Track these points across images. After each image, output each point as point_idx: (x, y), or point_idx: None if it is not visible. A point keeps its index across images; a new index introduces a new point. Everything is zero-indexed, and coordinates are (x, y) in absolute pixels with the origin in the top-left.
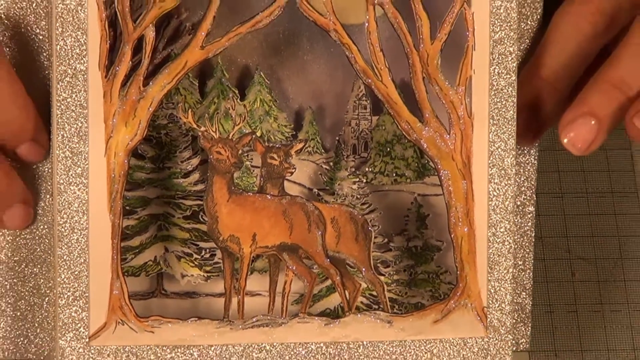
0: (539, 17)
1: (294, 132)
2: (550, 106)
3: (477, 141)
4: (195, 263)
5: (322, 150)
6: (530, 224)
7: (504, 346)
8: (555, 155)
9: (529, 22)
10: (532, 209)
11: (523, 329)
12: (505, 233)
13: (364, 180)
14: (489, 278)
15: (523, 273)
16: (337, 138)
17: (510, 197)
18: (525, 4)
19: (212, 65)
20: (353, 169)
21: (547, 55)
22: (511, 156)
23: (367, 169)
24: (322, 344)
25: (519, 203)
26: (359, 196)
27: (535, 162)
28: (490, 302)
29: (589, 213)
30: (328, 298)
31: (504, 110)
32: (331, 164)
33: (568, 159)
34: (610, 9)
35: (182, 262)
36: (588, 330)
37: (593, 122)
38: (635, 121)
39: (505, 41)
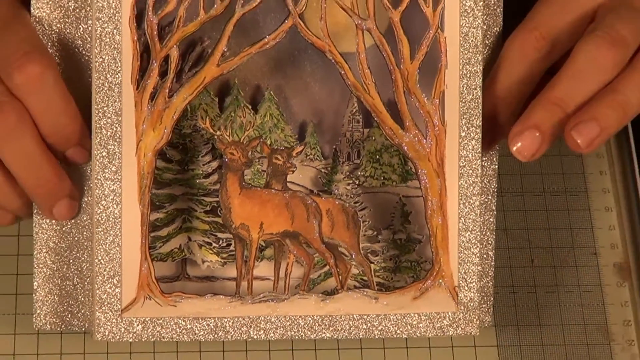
0: (499, 42)
1: (298, 142)
2: (503, 119)
3: (449, 145)
4: (214, 250)
5: (322, 157)
6: (492, 219)
7: (471, 319)
8: (517, 159)
9: (491, 48)
10: (493, 207)
11: (486, 309)
12: (473, 224)
13: (357, 183)
14: (460, 262)
15: (486, 261)
16: (334, 147)
17: (477, 193)
18: (487, 34)
19: (229, 85)
20: (347, 173)
21: (500, 75)
22: (477, 158)
23: (359, 173)
24: (318, 317)
25: (482, 202)
26: (352, 196)
27: (496, 166)
28: (460, 282)
29: (546, 209)
30: (325, 282)
31: (471, 119)
32: (329, 168)
33: (528, 163)
34: (552, 37)
35: (202, 250)
36: (545, 308)
37: (537, 135)
38: (572, 134)
39: (472, 61)
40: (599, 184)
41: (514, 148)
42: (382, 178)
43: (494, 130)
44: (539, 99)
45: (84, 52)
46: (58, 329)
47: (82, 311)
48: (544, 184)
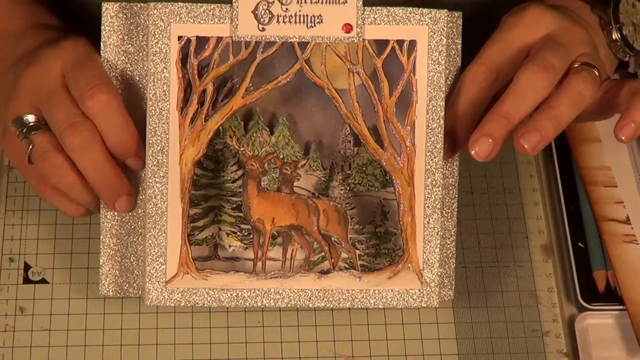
0: (455, 80)
1: (303, 156)
2: (461, 133)
3: (417, 162)
4: (238, 238)
5: (322, 169)
6: (454, 218)
7: (432, 295)
8: (468, 166)
9: (451, 86)
10: (455, 208)
11: (449, 286)
12: (435, 221)
13: (348, 189)
14: (424, 251)
15: (449, 250)
16: (331, 161)
17: (438, 198)
18: (449, 76)
19: (252, 113)
20: (341, 181)
21: (458, 100)
22: (439, 172)
23: (350, 181)
24: (315, 290)
25: (445, 201)
26: (344, 198)
27: (457, 177)
28: (424, 266)
29: (489, 204)
30: (321, 264)
31: (435, 142)
32: (327, 177)
33: (477, 169)
34: (497, 69)
35: (230, 237)
36: (489, 278)
37: (490, 141)
38: (521, 141)
39: (436, 98)
40: (529, 185)
41: (472, 152)
42: (367, 185)
43: (454, 142)
44: (491, 113)
45: (140, 86)
46: (118, 295)
47: (137, 282)
48: (488, 184)
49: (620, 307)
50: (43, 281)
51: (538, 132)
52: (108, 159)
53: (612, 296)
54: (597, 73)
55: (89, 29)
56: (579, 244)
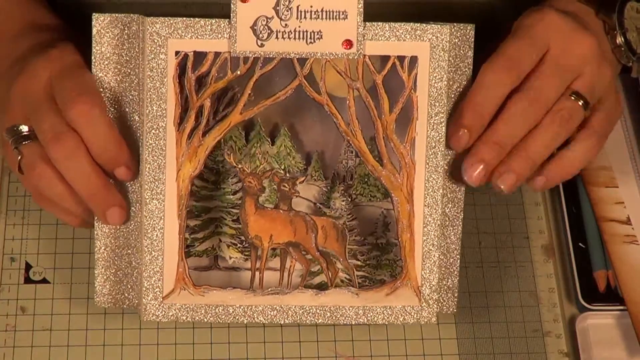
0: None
1: (305, 167)
2: (477, 128)
3: (417, 179)
4: (238, 249)
5: (323, 179)
6: (459, 234)
7: (431, 312)
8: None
9: (457, 96)
10: (459, 226)
11: (452, 300)
12: (433, 239)
13: (349, 199)
14: (422, 268)
15: (453, 266)
16: (333, 171)
17: (437, 217)
18: (458, 89)
19: (254, 123)
20: (342, 192)
21: (478, 97)
22: (439, 189)
23: (351, 192)
24: (313, 307)
25: (450, 214)
26: (345, 209)
27: (463, 194)
28: (422, 283)
29: (490, 204)
30: (320, 280)
31: (435, 159)
32: (328, 187)
33: None
34: (520, 70)
35: (230, 249)
36: (490, 279)
37: (484, 167)
38: (498, 183)
39: (438, 115)
40: None
41: (466, 177)
42: (369, 195)
43: (470, 137)
44: (486, 140)
45: (131, 97)
46: (114, 306)
47: (132, 294)
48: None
49: (621, 307)
50: (44, 281)
51: (513, 173)
52: (94, 169)
53: (612, 296)
54: (581, 105)
55: (90, 29)
56: (580, 244)
